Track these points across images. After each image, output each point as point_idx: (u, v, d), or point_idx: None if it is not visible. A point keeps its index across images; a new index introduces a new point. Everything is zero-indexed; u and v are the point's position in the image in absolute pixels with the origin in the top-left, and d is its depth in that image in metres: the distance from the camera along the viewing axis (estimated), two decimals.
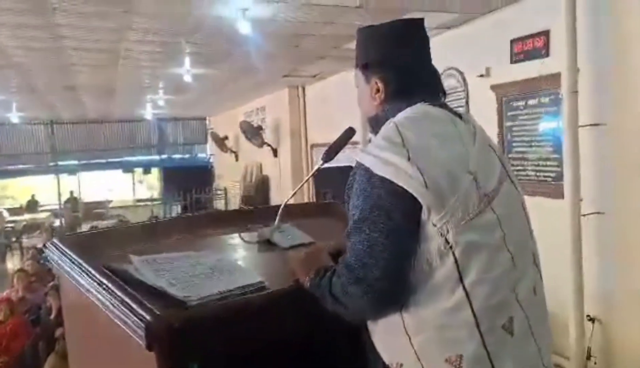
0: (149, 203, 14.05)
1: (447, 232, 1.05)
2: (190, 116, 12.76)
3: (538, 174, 3.37)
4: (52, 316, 5.02)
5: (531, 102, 3.45)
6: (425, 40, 1.28)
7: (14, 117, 9.95)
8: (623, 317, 2.90)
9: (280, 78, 6.71)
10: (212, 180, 12.80)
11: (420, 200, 1.04)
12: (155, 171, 14.94)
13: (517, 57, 3.49)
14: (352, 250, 1.08)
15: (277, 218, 1.49)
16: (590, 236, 2.97)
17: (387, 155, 1.08)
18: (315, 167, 1.48)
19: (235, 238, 1.55)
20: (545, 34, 3.25)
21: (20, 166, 12.53)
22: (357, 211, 1.09)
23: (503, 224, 1.11)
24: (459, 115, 1.22)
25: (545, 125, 3.36)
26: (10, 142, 11.93)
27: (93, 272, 1.08)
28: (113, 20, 3.82)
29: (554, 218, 2.84)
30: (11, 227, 12.14)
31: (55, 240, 1.29)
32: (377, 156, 1.09)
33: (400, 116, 1.17)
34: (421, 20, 1.29)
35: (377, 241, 1.05)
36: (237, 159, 10.32)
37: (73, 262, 1.16)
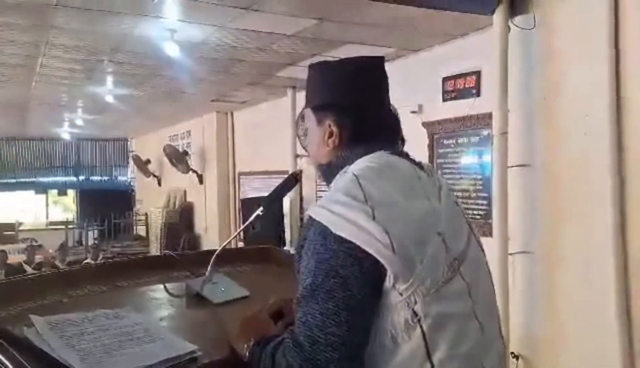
0: (63, 227, 13.05)
1: (415, 302, 0.92)
2: (111, 137, 12.13)
3: (467, 211, 3.41)
4: None
5: (461, 140, 3.51)
6: (386, 81, 1.14)
7: None
8: (546, 355, 2.95)
9: (208, 102, 6.51)
10: (133, 205, 12.16)
11: (386, 266, 0.91)
12: (71, 193, 14.00)
13: (448, 95, 3.56)
14: (301, 323, 0.92)
15: (209, 267, 1.32)
16: (517, 275, 3.02)
17: (347, 212, 0.93)
18: (253, 215, 1.32)
19: (159, 291, 1.35)
20: (477, 74, 3.34)
21: None
22: (310, 276, 0.93)
23: (472, 291, 1.00)
24: (421, 166, 1.11)
25: (475, 164, 3.42)
26: None
27: None
28: (28, 33, 3.50)
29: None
30: None
31: None
32: (335, 212, 0.94)
33: (359, 166, 1.02)
34: (382, 58, 1.17)
35: (331, 314, 0.90)
36: (160, 184, 9.88)
37: None
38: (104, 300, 1.26)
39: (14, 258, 8.10)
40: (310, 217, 0.97)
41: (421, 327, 0.92)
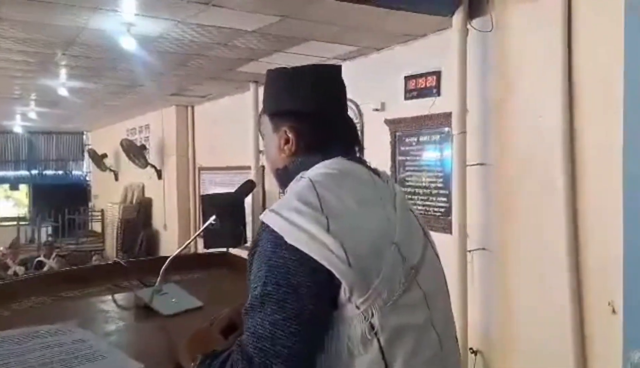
0: (14, 223, 12.54)
1: (372, 315, 0.90)
2: (66, 130, 11.70)
3: (428, 208, 3.46)
4: None
5: (423, 138, 3.55)
6: (343, 88, 1.14)
7: None
8: (502, 350, 3.03)
9: (168, 96, 6.36)
10: (88, 200, 11.79)
11: (341, 279, 0.89)
12: (24, 188, 13.45)
13: (410, 94, 3.59)
14: (250, 334, 0.90)
15: (159, 277, 1.27)
16: (475, 271, 3.09)
17: (302, 221, 0.91)
18: (208, 222, 1.29)
19: (107, 302, 1.30)
20: (437, 74, 3.38)
21: None
22: (259, 285, 0.91)
23: (429, 301, 0.99)
24: (377, 173, 1.10)
25: (436, 161, 3.47)
26: None
27: None
28: None
29: (442, 252, 2.90)
30: None
31: None
32: (289, 220, 0.92)
33: (315, 172, 1.01)
34: (339, 67, 1.17)
35: (281, 325, 0.88)
36: (116, 179, 9.62)
37: None
38: (48, 313, 1.20)
39: None
40: (264, 223, 0.95)
41: (378, 340, 0.91)
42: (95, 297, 1.32)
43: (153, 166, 7.76)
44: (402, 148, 3.71)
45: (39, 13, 3.09)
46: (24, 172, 12.45)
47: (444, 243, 3.00)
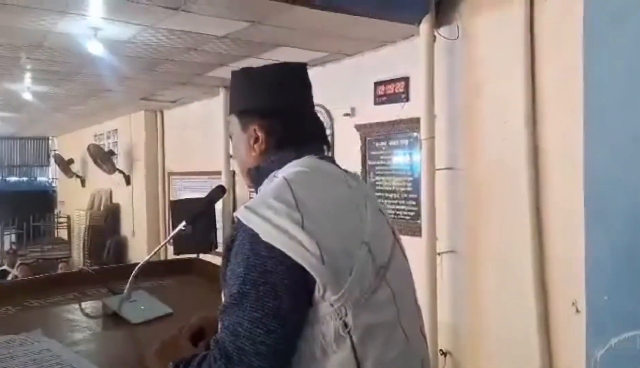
0: None
1: (345, 314, 0.92)
2: (31, 135, 11.38)
3: (398, 212, 3.51)
4: None
5: (392, 143, 3.60)
6: (309, 87, 1.15)
7: None
8: (471, 351, 3.09)
9: (136, 101, 6.27)
10: (54, 207, 11.49)
11: (315, 276, 0.90)
12: None
13: (379, 99, 3.64)
14: (229, 332, 0.90)
15: (128, 284, 1.26)
16: (445, 273, 3.15)
17: (277, 219, 0.92)
18: (178, 227, 1.28)
19: (74, 311, 1.28)
20: (405, 80, 3.44)
21: None
22: (237, 283, 0.91)
23: (397, 299, 1.01)
24: (347, 172, 1.12)
25: (405, 166, 3.52)
26: None
27: None
28: None
29: (412, 255, 2.93)
30: None
31: None
32: (265, 218, 0.92)
33: (289, 170, 1.02)
34: (304, 64, 1.18)
35: (259, 322, 0.89)
36: (83, 185, 9.41)
37: None
38: (12, 322, 1.17)
39: None
40: (239, 221, 0.95)
41: (351, 337, 0.92)
42: (61, 306, 1.29)
43: (121, 172, 7.63)
44: (372, 152, 3.75)
45: (4, 16, 3.01)
46: None
47: (413, 247, 3.07)
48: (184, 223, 1.28)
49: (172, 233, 1.29)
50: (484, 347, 3.01)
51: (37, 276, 1.92)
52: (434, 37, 3.05)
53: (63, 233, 10.46)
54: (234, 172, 5.27)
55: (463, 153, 3.07)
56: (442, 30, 3.07)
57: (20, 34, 3.38)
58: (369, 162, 3.78)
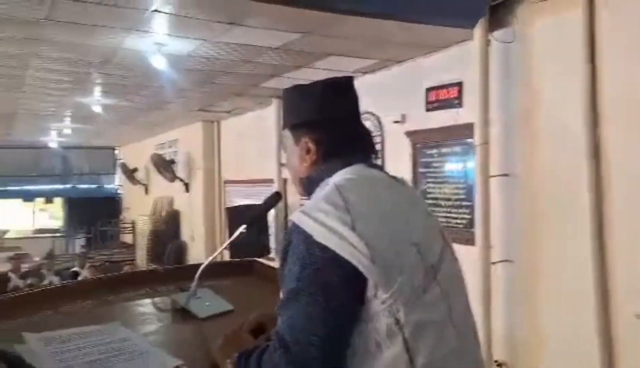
0: (49, 235, 12.98)
1: (397, 311, 0.97)
2: (99, 145, 12.06)
3: (450, 220, 3.48)
4: None
5: (444, 150, 3.58)
6: (356, 99, 1.22)
7: None
8: (528, 363, 3.01)
9: (195, 112, 6.54)
10: (120, 213, 12.11)
11: (366, 275, 0.96)
12: (58, 201, 13.91)
13: (431, 105, 3.63)
14: (286, 324, 0.98)
15: (194, 282, 1.36)
16: (499, 283, 3.09)
17: (329, 221, 0.99)
18: (238, 231, 1.37)
19: (146, 305, 1.39)
20: (459, 85, 3.42)
21: None
22: (293, 280, 0.99)
23: (447, 299, 1.06)
24: (395, 178, 1.18)
25: (458, 173, 3.49)
26: None
27: None
28: (18, 46, 3.53)
29: (465, 264, 2.90)
30: None
31: None
32: (318, 220, 0.99)
33: (339, 177, 1.09)
34: (351, 78, 1.25)
35: (314, 317, 0.96)
36: (147, 192, 9.85)
37: None
38: (93, 315, 1.30)
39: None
40: (294, 224, 1.03)
41: (403, 333, 0.97)
42: (134, 301, 1.41)
43: (181, 179, 7.95)
44: (423, 160, 3.74)
45: (79, 35, 3.26)
46: (58, 186, 12.88)
47: (467, 256, 3.01)
48: (244, 226, 1.37)
49: (233, 236, 1.38)
50: (541, 359, 2.93)
51: (113, 274, 2.08)
52: (489, 40, 3.02)
53: (128, 238, 11.01)
54: (285, 180, 5.39)
55: (519, 159, 3.02)
56: (497, 33, 3.04)
57: (92, 51, 3.64)
58: (420, 169, 3.77)
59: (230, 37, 3.29)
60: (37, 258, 9.53)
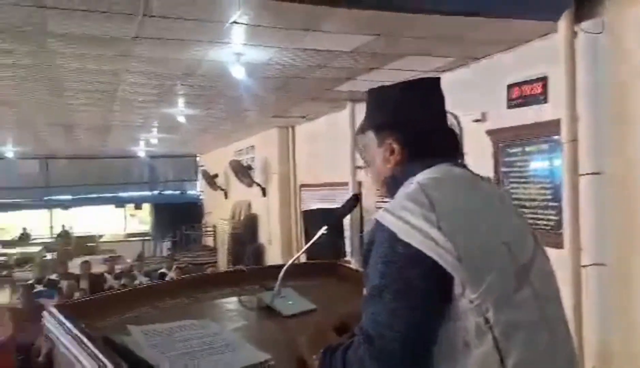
0: (139, 238, 13.90)
1: (487, 310, 0.96)
2: (181, 153, 12.75)
3: (536, 222, 3.32)
4: (41, 357, 4.85)
5: (529, 148, 3.43)
6: (442, 99, 1.21)
7: (9, 152, 9.93)
8: (624, 367, 2.81)
9: (270, 118, 6.72)
10: (202, 217, 12.69)
11: (452, 273, 0.96)
12: (146, 206, 14.86)
13: (514, 102, 3.49)
14: (369, 320, 0.99)
15: (278, 282, 1.41)
16: (591, 288, 2.91)
17: (413, 219, 0.99)
18: (319, 232, 1.40)
19: (232, 303, 1.46)
20: (544, 80, 3.26)
21: (13, 200, 12.50)
22: (377, 277, 1.00)
23: (540, 298, 1.03)
24: (481, 177, 1.16)
25: (544, 173, 3.33)
26: (4, 176, 11.83)
27: (93, 348, 0.99)
28: (110, 63, 3.82)
29: (554, 268, 2.78)
30: (3, 260, 11.86)
31: (52, 309, 1.20)
32: (402, 218, 1.00)
33: (423, 177, 1.09)
34: (437, 79, 1.24)
35: (397, 313, 0.97)
36: (226, 197, 10.25)
37: (72, 335, 1.06)
38: (186, 311, 1.38)
39: (96, 268, 8.65)
40: (378, 222, 1.03)
41: (493, 333, 0.96)
42: (222, 299, 1.49)
43: (258, 184, 8.20)
44: (506, 159, 3.61)
45: (165, 50, 3.47)
46: (146, 193, 13.74)
47: (555, 259, 2.86)
48: (325, 228, 1.40)
49: (314, 238, 1.42)
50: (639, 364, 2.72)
51: (201, 274, 2.19)
52: (575, 32, 2.86)
53: (210, 241, 11.50)
54: (360, 183, 5.40)
55: (611, 156, 2.83)
56: (584, 25, 2.88)
57: (177, 64, 3.86)
58: (502, 169, 3.63)
59: (305, 43, 3.35)
60: (128, 260, 10.18)
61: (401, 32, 3.19)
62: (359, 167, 5.44)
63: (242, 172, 8.40)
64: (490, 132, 3.71)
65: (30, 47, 3.43)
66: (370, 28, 3.13)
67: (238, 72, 3.64)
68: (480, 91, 3.82)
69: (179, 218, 12.40)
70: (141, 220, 15.91)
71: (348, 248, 5.45)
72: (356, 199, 1.51)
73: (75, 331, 1.08)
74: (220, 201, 10.46)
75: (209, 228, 11.76)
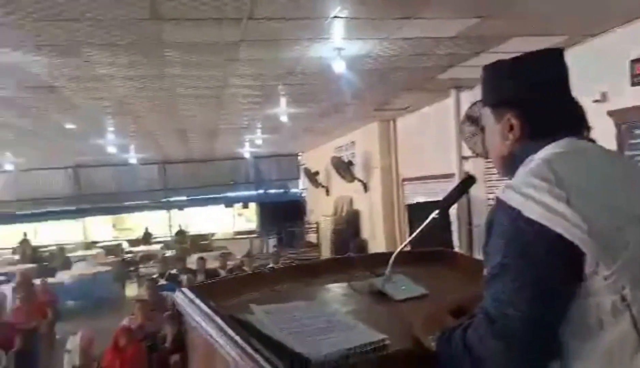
0: (247, 236, 14.67)
1: (623, 288, 0.91)
2: (284, 153, 13.21)
3: None
4: (167, 344, 5.30)
5: None
6: (565, 71, 1.13)
7: (132, 158, 10.98)
8: None
9: (371, 112, 6.73)
10: (304, 214, 13.03)
11: (584, 250, 0.91)
12: (252, 205, 15.61)
13: (639, 79, 3.18)
14: (491, 299, 0.96)
15: (389, 267, 1.41)
16: None
17: (538, 195, 0.94)
18: (430, 217, 1.38)
19: (343, 288, 1.49)
20: None
21: (137, 202, 13.86)
22: (499, 255, 0.96)
23: None
24: (610, 152, 1.10)
25: None
26: (128, 180, 13.12)
27: (221, 323, 1.08)
28: (219, 68, 4.06)
29: None
30: (130, 257, 13.18)
31: (184, 290, 1.32)
32: (527, 195, 0.95)
33: (546, 153, 1.03)
34: (560, 50, 1.16)
35: (519, 291, 0.93)
36: (328, 194, 10.43)
37: (203, 312, 1.17)
38: (301, 294, 1.44)
39: (210, 264, 9.25)
40: (499, 200, 1.00)
41: (630, 311, 0.91)
42: (333, 284, 1.52)
43: (359, 180, 8.24)
44: (631, 141, 3.29)
45: (268, 51, 3.62)
46: (252, 192, 14.42)
47: None
48: (437, 211, 1.38)
49: (425, 222, 1.40)
50: None
51: (313, 261, 2.27)
52: None
53: (312, 238, 11.78)
54: (467, 173, 5.21)
55: None
56: None
57: (279, 64, 4.00)
58: (627, 152, 3.32)
59: (405, 32, 3.32)
60: (238, 257, 10.77)
61: (507, 12, 3.04)
62: (465, 158, 5.27)
63: (343, 168, 8.50)
64: (612, 113, 3.41)
65: (148, 59, 3.75)
66: (472, 10, 3.02)
67: (339, 67, 3.69)
68: (599, 69, 3.52)
69: (282, 216, 12.85)
70: (248, 218, 16.74)
71: (456, 243, 5.29)
72: (471, 179, 1.46)
73: (205, 308, 1.17)
74: (322, 198, 10.67)
75: (311, 225, 12.04)
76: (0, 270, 10.29)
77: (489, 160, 4.83)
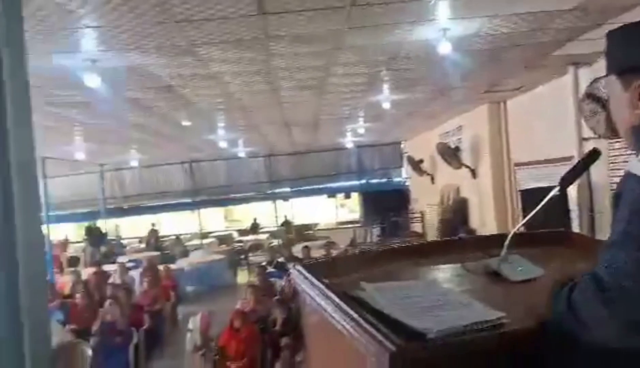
0: (349, 225, 14.84)
1: None
2: (386, 141, 13.12)
3: None
4: (277, 327, 5.57)
5: None
6: None
7: (241, 152, 11.60)
8: None
9: (480, 94, 6.43)
10: (408, 204, 12.86)
11: None
12: (354, 195, 15.74)
13: None
14: (607, 265, 0.92)
15: (504, 248, 1.35)
16: None
17: None
18: (551, 193, 1.30)
19: (456, 269, 1.45)
20: None
21: (245, 194, 14.57)
22: (623, 223, 0.92)
23: None
24: None
25: None
26: (237, 174, 13.88)
27: (336, 299, 1.11)
28: (322, 58, 4.13)
29: None
30: (240, 246, 13.98)
31: (299, 267, 1.38)
32: None
33: None
34: None
35: None
36: (433, 182, 10.19)
37: (317, 288, 1.21)
38: (411, 274, 1.43)
39: (314, 253, 9.50)
40: (629, 172, 0.96)
41: None
42: (446, 265, 1.49)
43: (467, 166, 7.94)
44: None
45: (370, 37, 3.61)
46: (354, 182, 14.52)
47: None
48: (557, 188, 1.29)
49: (544, 200, 1.32)
50: None
51: (425, 241, 2.25)
52: None
53: (417, 227, 11.60)
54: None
55: None
56: None
57: (382, 49, 3.97)
58: None
59: (518, 7, 3.13)
60: (342, 246, 10.93)
61: None
62: (586, 139, 4.87)
63: (450, 154, 8.24)
64: None
65: (255, 54, 3.91)
66: None
67: (444, 49, 3.57)
68: None
69: (386, 205, 12.81)
70: (350, 209, 16.90)
71: (576, 230, 4.92)
72: (595, 153, 1.35)
73: (319, 284, 1.21)
74: (427, 186, 10.45)
75: (416, 215, 11.86)
76: (130, 257, 11.42)
77: (612, 140, 4.42)
